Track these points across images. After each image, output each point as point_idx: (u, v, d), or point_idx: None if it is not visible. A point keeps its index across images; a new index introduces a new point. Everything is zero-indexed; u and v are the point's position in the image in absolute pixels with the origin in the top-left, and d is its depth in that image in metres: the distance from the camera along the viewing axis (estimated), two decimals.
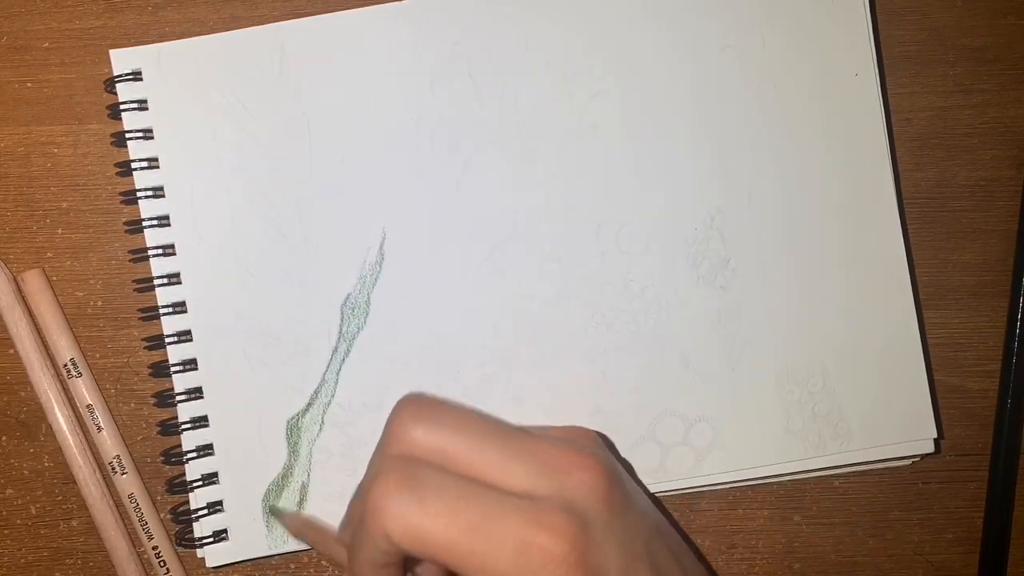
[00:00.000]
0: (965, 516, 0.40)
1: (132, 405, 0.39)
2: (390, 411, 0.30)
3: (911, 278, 0.38)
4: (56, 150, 0.40)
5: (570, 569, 0.27)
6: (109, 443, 0.39)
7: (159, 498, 0.39)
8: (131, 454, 0.39)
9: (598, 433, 0.35)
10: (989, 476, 0.40)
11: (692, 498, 0.40)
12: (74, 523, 0.39)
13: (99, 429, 0.39)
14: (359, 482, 0.32)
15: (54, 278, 0.40)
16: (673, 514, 0.40)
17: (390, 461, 0.29)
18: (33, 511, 0.39)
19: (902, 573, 0.40)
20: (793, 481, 0.40)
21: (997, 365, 0.40)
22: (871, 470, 0.39)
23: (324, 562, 0.40)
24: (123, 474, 0.38)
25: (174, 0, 0.40)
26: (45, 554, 0.39)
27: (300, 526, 0.35)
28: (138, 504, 0.38)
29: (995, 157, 0.40)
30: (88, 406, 0.39)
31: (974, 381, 0.40)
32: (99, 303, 0.40)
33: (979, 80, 0.40)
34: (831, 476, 0.40)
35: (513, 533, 0.27)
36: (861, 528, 0.40)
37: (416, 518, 0.27)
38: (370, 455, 0.31)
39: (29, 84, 0.40)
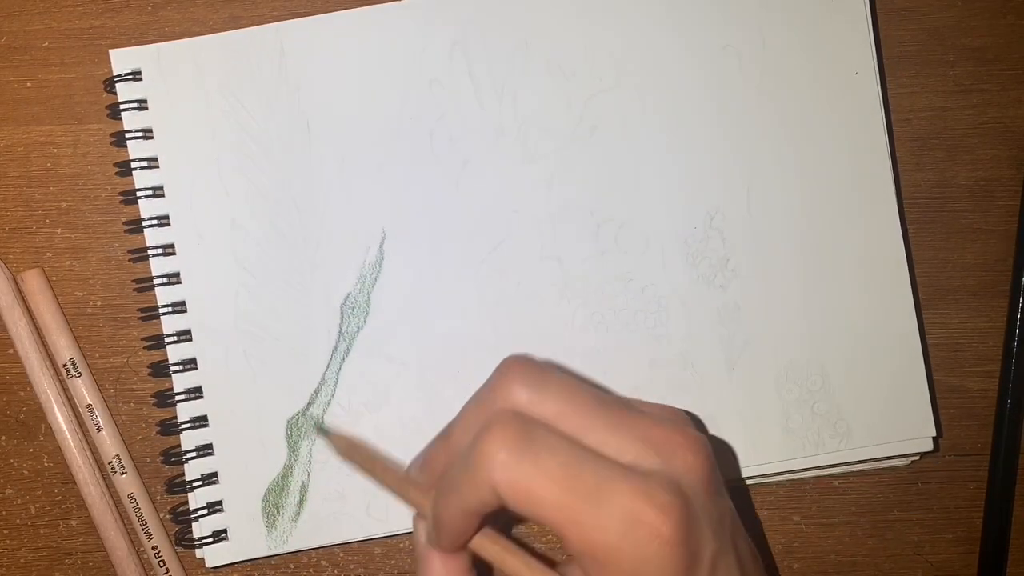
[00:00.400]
0: (965, 516, 0.40)
1: (132, 405, 0.39)
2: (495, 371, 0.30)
3: (911, 278, 0.38)
4: (56, 150, 0.40)
5: (674, 549, 0.26)
6: (108, 443, 0.39)
7: (159, 498, 0.39)
8: (131, 454, 0.39)
9: (689, 412, 0.34)
10: (989, 476, 0.40)
11: None
12: (73, 523, 0.39)
13: (99, 429, 0.39)
14: (446, 425, 0.31)
15: (54, 278, 0.40)
16: None
17: (506, 415, 0.28)
18: (33, 511, 0.39)
19: (902, 573, 0.40)
20: (792, 481, 0.40)
21: (997, 365, 0.40)
22: (871, 470, 0.39)
23: (324, 561, 0.39)
24: (122, 474, 0.38)
25: (174, 0, 0.40)
26: (44, 554, 0.39)
27: (347, 447, 0.33)
28: (137, 504, 0.38)
29: (995, 157, 0.40)
30: (88, 406, 0.39)
31: (974, 381, 0.40)
32: (99, 303, 0.40)
33: (979, 80, 0.40)
34: (831, 475, 0.40)
35: (623, 505, 0.26)
36: (861, 528, 0.40)
37: (528, 475, 0.27)
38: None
39: (29, 84, 0.40)
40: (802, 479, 0.40)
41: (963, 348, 0.40)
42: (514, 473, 0.27)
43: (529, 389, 0.29)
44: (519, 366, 0.30)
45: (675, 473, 0.28)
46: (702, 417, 0.38)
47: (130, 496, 0.38)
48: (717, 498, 0.29)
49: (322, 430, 0.37)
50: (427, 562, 0.31)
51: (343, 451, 0.33)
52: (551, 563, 0.29)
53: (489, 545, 0.30)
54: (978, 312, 0.40)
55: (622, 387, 0.38)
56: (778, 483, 0.40)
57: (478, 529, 0.30)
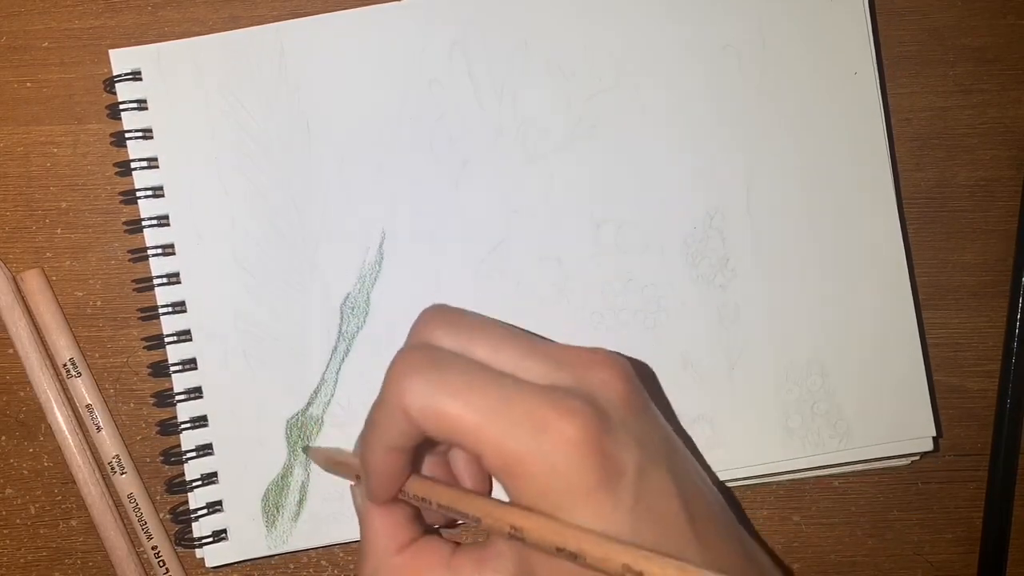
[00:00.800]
0: (965, 516, 0.40)
1: (131, 405, 0.39)
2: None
3: (911, 278, 0.38)
4: (55, 150, 0.40)
5: (585, 452, 0.26)
6: (108, 443, 0.39)
7: (158, 498, 0.39)
8: (131, 454, 0.39)
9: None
10: (988, 476, 0.40)
11: None
12: (73, 523, 0.39)
13: (98, 429, 0.39)
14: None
15: (53, 278, 0.40)
16: None
17: (414, 343, 0.29)
18: (32, 511, 0.39)
19: (902, 573, 0.40)
20: (792, 481, 0.40)
21: (997, 365, 0.40)
22: (871, 470, 0.39)
23: (324, 562, 0.39)
24: (122, 474, 0.38)
25: (173, 0, 0.40)
26: (44, 554, 0.39)
27: (326, 460, 0.35)
28: (137, 504, 0.38)
29: (995, 157, 0.40)
30: (88, 406, 0.39)
31: (974, 381, 0.40)
32: (98, 303, 0.40)
33: (979, 80, 0.40)
34: (830, 475, 0.40)
35: (531, 414, 0.27)
36: (861, 528, 0.40)
37: (437, 395, 0.27)
38: None
39: (28, 84, 0.40)
40: (802, 479, 0.40)
41: (963, 348, 0.40)
42: (423, 395, 0.27)
43: (445, 327, 0.30)
44: (434, 309, 0.31)
45: (590, 388, 0.28)
46: (701, 416, 0.38)
47: (130, 496, 0.38)
48: (644, 414, 0.29)
49: (304, 449, 0.37)
50: (367, 520, 0.31)
51: (323, 464, 0.35)
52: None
53: (419, 486, 0.30)
54: (978, 312, 0.40)
55: None
56: (778, 483, 0.40)
57: (408, 474, 0.30)
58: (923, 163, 0.40)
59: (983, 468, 0.40)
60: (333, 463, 0.34)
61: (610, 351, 0.30)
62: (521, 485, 0.27)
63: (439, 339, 0.29)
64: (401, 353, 0.29)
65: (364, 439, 0.30)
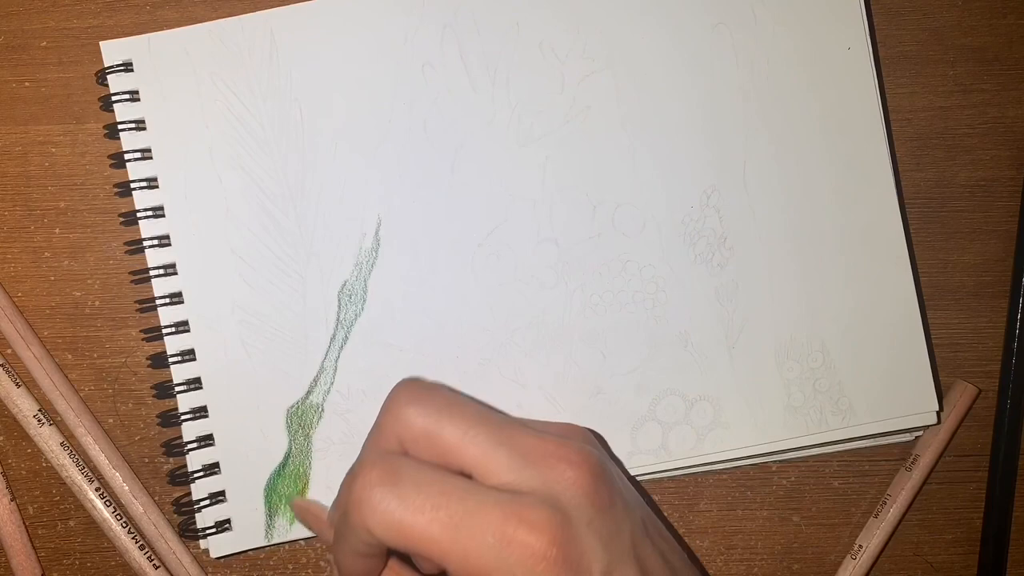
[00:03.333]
0: (965, 516, 0.40)
1: (130, 405, 0.39)
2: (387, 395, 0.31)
3: (910, 255, 0.38)
4: (54, 149, 0.40)
5: (550, 565, 0.27)
6: (30, 399, 0.38)
7: (157, 498, 0.39)
8: (130, 454, 0.39)
9: (591, 431, 0.35)
10: (989, 476, 0.39)
11: (692, 498, 0.40)
12: (71, 523, 0.39)
13: (17, 385, 0.39)
14: (352, 464, 0.32)
15: (52, 278, 0.39)
16: (672, 514, 0.40)
17: (373, 455, 0.29)
18: (31, 511, 0.39)
19: (902, 573, 0.40)
20: (792, 481, 0.40)
21: (997, 365, 0.40)
22: (876, 445, 0.39)
23: (323, 562, 0.39)
24: (51, 424, 0.38)
25: None
26: (43, 554, 0.39)
27: (299, 510, 0.35)
28: (72, 450, 0.38)
29: (995, 157, 0.40)
30: (61, 443, 0.38)
31: (974, 381, 0.40)
32: (97, 303, 0.39)
33: (979, 80, 0.40)
34: (833, 461, 0.39)
35: (493, 528, 0.27)
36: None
37: (397, 513, 0.27)
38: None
39: (27, 83, 0.40)
40: (803, 478, 0.40)
41: (963, 348, 0.40)
42: (382, 514, 0.27)
43: (416, 406, 0.30)
44: (408, 385, 0.31)
45: (553, 488, 0.28)
46: (703, 396, 0.38)
47: (63, 443, 0.38)
48: (610, 511, 0.29)
49: (284, 499, 0.38)
50: None
51: (296, 514, 0.36)
52: None
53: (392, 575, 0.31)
54: (978, 312, 0.40)
55: (622, 369, 0.38)
56: (778, 483, 0.40)
57: (379, 570, 0.31)
58: (923, 163, 0.40)
59: (983, 468, 0.40)
60: (304, 517, 0.35)
61: (577, 437, 0.31)
62: None
63: (409, 417, 0.29)
64: (360, 467, 0.28)
65: (336, 545, 0.30)
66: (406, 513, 0.27)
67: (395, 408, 0.30)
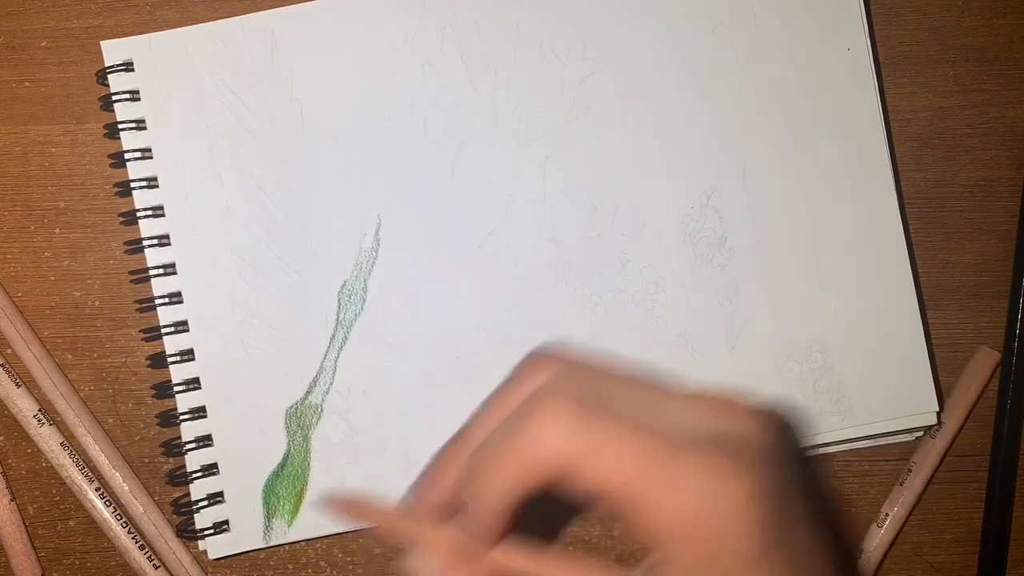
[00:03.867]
0: (965, 516, 0.40)
1: (130, 405, 0.39)
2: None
3: (910, 258, 0.38)
4: (54, 149, 0.40)
5: (756, 516, 0.24)
6: (30, 399, 0.38)
7: (157, 498, 0.39)
8: (130, 454, 0.39)
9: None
10: (989, 476, 0.39)
11: None
12: (71, 523, 0.39)
13: (17, 385, 0.39)
14: (455, 435, 0.29)
15: (52, 278, 0.39)
16: None
17: (558, 392, 0.26)
18: (31, 511, 0.39)
19: (902, 573, 0.40)
20: None
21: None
22: (877, 445, 0.39)
23: (323, 562, 0.39)
24: (51, 424, 0.38)
25: None
26: (43, 554, 0.39)
27: (346, 509, 0.30)
28: (72, 450, 0.38)
29: (995, 157, 0.40)
30: (61, 443, 0.39)
31: None
32: (96, 303, 0.39)
33: (979, 80, 0.40)
34: (833, 461, 0.39)
35: (699, 465, 0.24)
36: (861, 528, 0.40)
37: (586, 450, 0.25)
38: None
39: (27, 83, 0.40)
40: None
41: (963, 348, 0.40)
42: (576, 444, 0.25)
43: (569, 372, 0.27)
44: (546, 351, 0.28)
45: (743, 440, 0.25)
46: None
47: (63, 443, 0.38)
48: (790, 468, 0.26)
49: (322, 501, 0.34)
50: None
51: (341, 516, 0.30)
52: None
53: (509, 557, 0.27)
54: (978, 312, 0.40)
55: None
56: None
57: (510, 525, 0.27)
58: (923, 163, 0.40)
59: (983, 468, 0.40)
60: (354, 512, 0.29)
61: (745, 396, 0.27)
62: (682, 549, 0.24)
63: (556, 383, 0.27)
64: (542, 402, 0.25)
65: (478, 487, 0.27)
66: (595, 452, 0.24)
67: (536, 381, 0.27)
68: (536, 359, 0.28)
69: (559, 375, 0.27)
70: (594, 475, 0.25)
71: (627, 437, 0.25)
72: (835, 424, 0.38)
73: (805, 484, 0.27)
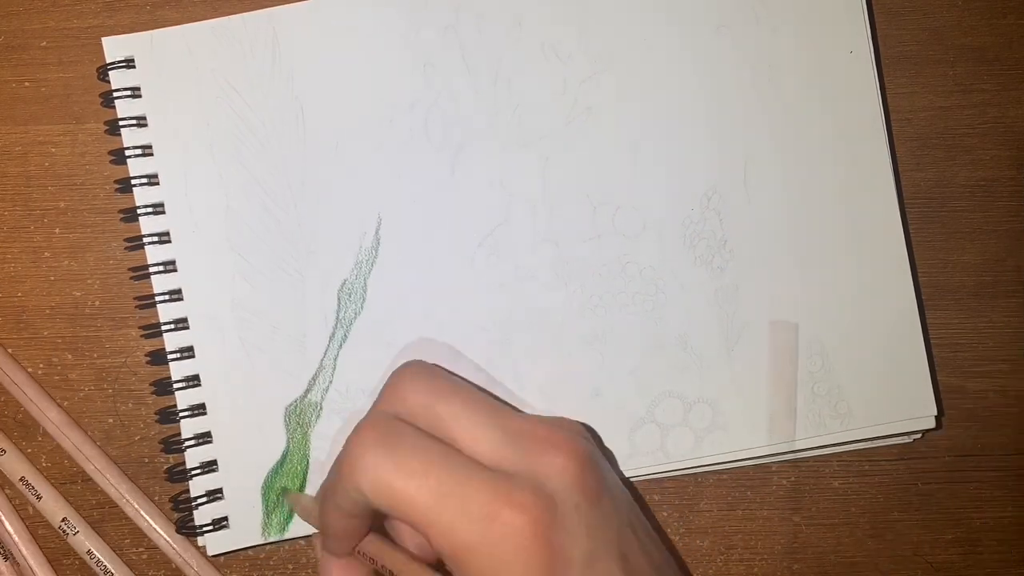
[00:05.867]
0: (965, 516, 0.40)
1: (130, 405, 0.39)
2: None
3: (910, 262, 0.38)
4: (54, 149, 0.40)
5: (531, 545, 0.27)
6: (53, 507, 0.38)
7: (156, 498, 0.39)
8: (130, 453, 0.39)
9: (584, 424, 0.35)
10: None
11: (691, 498, 0.40)
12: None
13: (39, 498, 0.38)
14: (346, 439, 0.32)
15: (52, 278, 0.39)
16: (672, 514, 0.40)
17: (374, 416, 0.30)
18: (30, 511, 0.39)
19: (901, 573, 0.40)
20: (793, 481, 0.40)
21: (997, 366, 0.40)
22: (877, 447, 0.39)
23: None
24: (75, 534, 0.38)
25: None
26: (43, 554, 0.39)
27: (302, 507, 0.36)
28: (99, 559, 0.38)
29: (995, 157, 0.40)
30: (22, 479, 0.39)
31: (974, 382, 0.40)
32: (96, 303, 0.39)
33: (979, 80, 0.40)
34: (833, 461, 0.40)
35: (481, 503, 0.27)
36: (861, 529, 0.40)
37: (388, 474, 0.28)
38: None
39: (27, 83, 0.40)
40: (803, 478, 0.40)
41: (963, 348, 0.40)
42: (374, 473, 0.28)
43: (419, 383, 0.31)
44: (413, 364, 0.32)
45: (542, 472, 0.29)
46: (702, 398, 0.38)
47: (89, 552, 0.38)
48: (598, 502, 0.29)
49: (288, 497, 0.38)
50: (325, 570, 0.33)
51: (301, 514, 0.36)
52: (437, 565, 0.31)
53: (373, 547, 0.31)
54: (978, 312, 0.40)
55: (621, 370, 0.38)
56: (778, 483, 0.40)
57: (363, 534, 0.31)
58: (923, 163, 0.40)
59: (983, 468, 0.40)
60: (303, 511, 0.36)
61: (571, 428, 0.31)
62: (467, 572, 0.27)
63: (409, 394, 0.30)
64: (359, 426, 0.29)
65: (321, 500, 0.31)
66: (397, 476, 0.28)
67: (395, 386, 0.31)
68: (402, 370, 0.32)
69: (408, 383, 0.31)
70: (392, 500, 0.28)
71: (426, 465, 0.28)
72: (834, 428, 0.38)
73: (619, 517, 0.30)
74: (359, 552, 0.32)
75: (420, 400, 0.30)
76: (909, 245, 0.38)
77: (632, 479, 0.38)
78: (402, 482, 0.28)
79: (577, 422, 0.33)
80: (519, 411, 0.32)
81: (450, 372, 0.33)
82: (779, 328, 0.38)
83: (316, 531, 0.35)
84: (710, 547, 0.40)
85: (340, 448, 0.30)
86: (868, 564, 0.40)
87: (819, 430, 0.38)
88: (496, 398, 0.35)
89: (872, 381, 0.38)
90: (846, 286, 0.38)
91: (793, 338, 0.38)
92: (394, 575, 0.31)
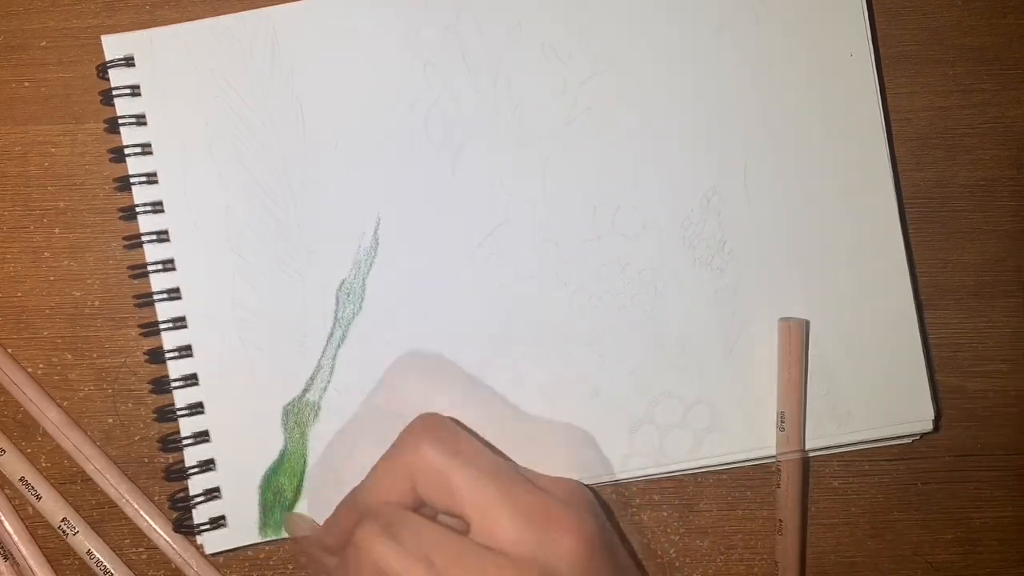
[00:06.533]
0: (965, 516, 0.40)
1: (130, 405, 0.39)
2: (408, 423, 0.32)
3: (910, 267, 0.38)
4: (53, 149, 0.40)
5: None
6: (53, 507, 0.38)
7: (156, 499, 0.39)
8: (130, 453, 0.39)
9: (592, 489, 0.35)
10: None
11: (691, 498, 0.40)
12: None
13: (38, 498, 0.38)
14: (355, 487, 0.33)
15: (52, 277, 0.39)
16: (672, 514, 0.40)
17: (380, 507, 0.31)
18: (30, 511, 0.39)
19: (901, 573, 0.40)
20: None
21: (996, 366, 0.40)
22: (876, 447, 0.39)
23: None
24: (74, 534, 0.38)
25: None
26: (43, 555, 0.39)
27: (290, 524, 0.36)
28: (99, 559, 0.38)
29: (995, 157, 0.40)
30: (22, 479, 0.39)
31: (974, 381, 0.40)
32: (96, 303, 0.39)
33: (979, 80, 0.40)
34: (833, 461, 0.39)
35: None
36: (860, 528, 0.40)
37: (394, 563, 0.29)
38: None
39: (26, 83, 0.40)
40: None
41: (963, 348, 0.40)
42: (381, 561, 0.29)
43: (435, 444, 0.31)
44: (430, 420, 0.32)
45: (550, 555, 0.29)
46: (700, 399, 0.38)
47: (88, 552, 0.38)
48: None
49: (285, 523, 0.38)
50: None
51: (288, 529, 0.37)
52: None
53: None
54: (978, 312, 0.40)
55: (620, 371, 0.38)
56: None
57: None
58: (923, 163, 0.40)
59: (983, 468, 0.40)
60: (294, 531, 0.37)
61: (578, 500, 0.32)
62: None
63: (426, 453, 0.31)
64: (364, 521, 0.30)
65: (364, 485, 0.32)
66: (403, 563, 0.29)
67: (413, 440, 0.31)
68: (418, 424, 0.32)
69: (424, 439, 0.32)
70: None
71: (432, 550, 0.29)
72: (832, 430, 0.38)
73: None
74: None
75: (435, 464, 0.31)
76: (908, 245, 0.38)
77: (631, 479, 0.38)
78: (408, 568, 0.29)
79: (586, 491, 0.34)
80: (530, 479, 0.32)
81: (466, 431, 0.33)
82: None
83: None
84: (710, 547, 0.40)
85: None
86: (868, 564, 0.40)
87: (816, 432, 0.38)
88: (502, 455, 0.36)
89: (870, 383, 0.38)
90: (845, 288, 0.38)
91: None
92: None
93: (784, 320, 0.38)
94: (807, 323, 0.38)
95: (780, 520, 0.38)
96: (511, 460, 0.36)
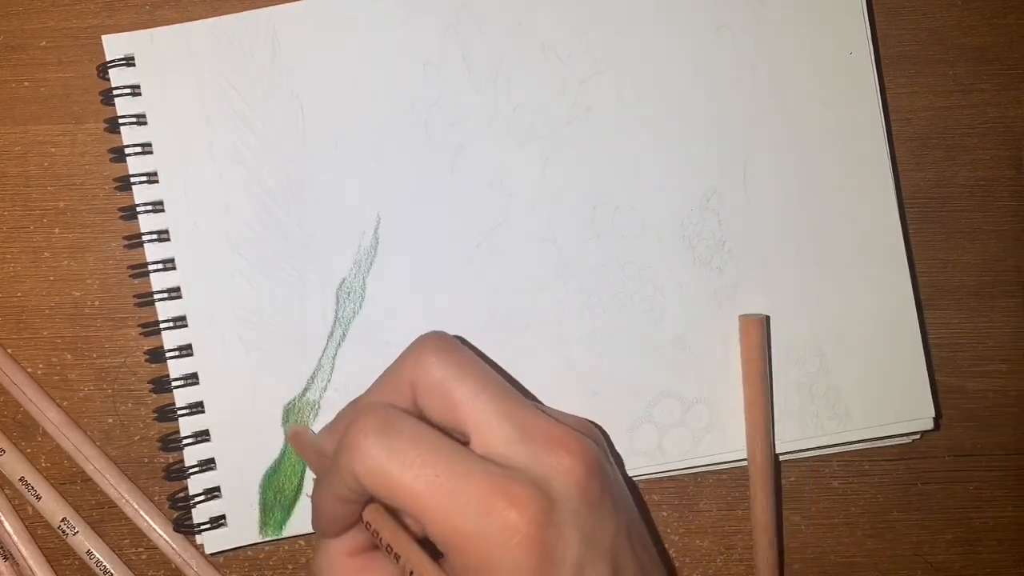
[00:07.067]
0: (964, 516, 0.40)
1: (130, 405, 0.39)
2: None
3: (909, 266, 0.38)
4: (53, 149, 0.40)
5: (523, 541, 0.27)
6: (53, 507, 0.38)
7: (156, 499, 0.39)
8: (130, 453, 0.39)
9: (600, 428, 0.35)
10: None
11: (691, 498, 0.40)
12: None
13: (38, 498, 0.38)
14: (357, 397, 0.33)
15: (51, 277, 0.39)
16: (672, 514, 0.40)
17: (375, 405, 0.30)
18: (30, 511, 0.39)
19: (901, 573, 0.40)
20: (792, 481, 0.40)
21: (996, 366, 0.40)
22: (875, 447, 0.39)
23: None
24: (74, 534, 0.38)
25: None
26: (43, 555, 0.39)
27: (293, 437, 0.35)
28: (99, 559, 0.38)
29: (995, 157, 0.40)
30: (21, 479, 0.38)
31: (974, 381, 0.40)
32: (96, 303, 0.39)
33: (979, 80, 0.40)
34: (833, 461, 0.39)
35: (478, 495, 0.27)
36: (860, 528, 0.40)
37: (386, 464, 0.28)
38: None
39: (26, 83, 0.40)
40: (803, 478, 0.40)
41: (963, 348, 0.40)
42: (371, 462, 0.28)
43: (440, 356, 0.30)
44: (435, 338, 0.31)
45: (545, 470, 0.28)
46: (699, 399, 0.38)
47: (88, 552, 0.38)
48: (598, 507, 0.29)
49: (288, 427, 0.37)
50: (319, 543, 0.32)
51: (290, 440, 0.36)
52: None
53: (374, 515, 0.30)
54: (978, 312, 0.40)
55: (619, 370, 0.38)
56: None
57: (356, 519, 0.31)
58: (923, 163, 0.40)
59: (983, 468, 0.40)
60: (295, 443, 0.35)
61: (583, 430, 0.31)
62: (459, 561, 0.28)
63: (430, 365, 0.30)
64: (358, 413, 0.29)
65: (318, 485, 0.31)
66: (394, 465, 0.28)
67: (418, 353, 0.31)
68: (425, 340, 0.31)
69: (428, 355, 0.30)
70: (388, 488, 0.28)
71: (424, 455, 0.28)
72: (831, 429, 0.38)
73: (616, 524, 0.30)
74: (363, 520, 0.31)
75: (440, 374, 0.30)
76: (908, 245, 0.38)
77: (632, 483, 0.38)
78: (399, 471, 0.28)
79: (592, 424, 0.33)
80: (539, 405, 0.31)
81: (473, 350, 0.32)
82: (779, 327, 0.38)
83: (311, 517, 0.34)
84: (710, 547, 0.40)
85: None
86: (868, 564, 0.40)
87: (816, 431, 0.38)
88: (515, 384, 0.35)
89: (870, 382, 0.38)
90: (845, 286, 0.38)
91: (792, 337, 0.38)
92: (392, 551, 0.30)
93: (744, 316, 0.37)
94: (767, 318, 0.37)
95: (752, 522, 0.37)
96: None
